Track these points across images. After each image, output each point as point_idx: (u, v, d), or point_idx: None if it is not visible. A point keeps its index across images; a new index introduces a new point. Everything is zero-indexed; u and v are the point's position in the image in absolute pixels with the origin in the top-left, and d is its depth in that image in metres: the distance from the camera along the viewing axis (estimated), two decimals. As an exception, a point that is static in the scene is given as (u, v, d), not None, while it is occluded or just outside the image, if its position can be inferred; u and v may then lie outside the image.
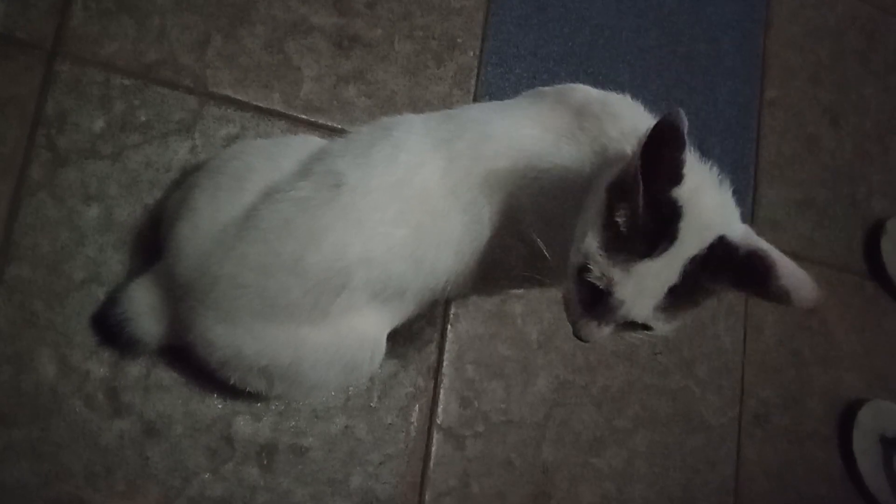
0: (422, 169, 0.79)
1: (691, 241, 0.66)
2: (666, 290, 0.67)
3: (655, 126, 0.62)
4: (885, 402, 1.38)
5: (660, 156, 0.63)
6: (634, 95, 0.83)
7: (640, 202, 0.64)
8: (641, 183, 0.63)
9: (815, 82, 1.52)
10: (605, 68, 1.33)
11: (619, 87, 1.31)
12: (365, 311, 0.83)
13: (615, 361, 1.22)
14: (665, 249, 0.66)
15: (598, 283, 0.68)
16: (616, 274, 0.67)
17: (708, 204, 0.68)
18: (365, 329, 0.85)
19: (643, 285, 0.67)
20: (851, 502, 1.34)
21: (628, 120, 0.77)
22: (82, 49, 1.00)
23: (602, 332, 0.71)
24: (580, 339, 0.73)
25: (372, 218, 0.78)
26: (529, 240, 0.80)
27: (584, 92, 0.82)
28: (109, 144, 0.98)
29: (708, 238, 0.67)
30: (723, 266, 0.66)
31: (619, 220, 0.66)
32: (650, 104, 0.83)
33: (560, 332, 1.18)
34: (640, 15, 1.39)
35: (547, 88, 0.85)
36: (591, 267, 0.68)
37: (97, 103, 0.99)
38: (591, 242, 0.68)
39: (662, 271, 0.67)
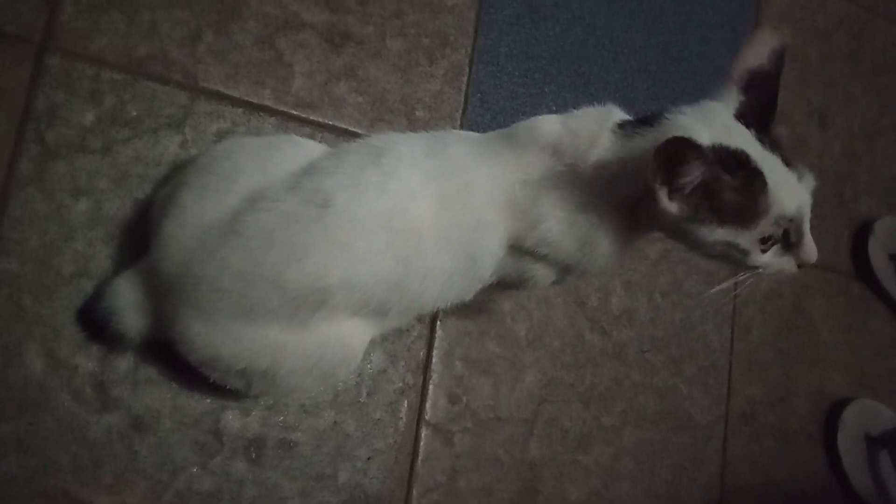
0: (413, 203, 0.79)
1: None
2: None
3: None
4: (870, 400, 1.39)
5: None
6: (623, 95, 0.84)
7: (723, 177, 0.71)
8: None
9: (804, 83, 1.53)
10: (595, 68, 1.34)
11: (609, 86, 1.34)
12: (346, 323, 0.83)
13: (603, 359, 1.23)
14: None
15: (777, 228, 0.76)
16: (776, 202, 0.74)
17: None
18: (345, 339, 0.85)
19: (784, 180, 0.75)
20: (836, 500, 1.35)
21: (605, 133, 0.79)
22: (72, 43, 1.00)
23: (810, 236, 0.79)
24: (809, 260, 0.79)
25: (358, 245, 0.78)
26: (553, 262, 0.83)
27: (551, 126, 0.82)
28: (99, 139, 0.98)
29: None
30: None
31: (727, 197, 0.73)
32: (641, 104, 0.84)
33: (548, 330, 1.19)
34: (632, 15, 1.40)
35: (514, 129, 0.84)
36: (763, 231, 0.75)
37: (87, 97, 0.99)
38: (739, 233, 0.75)
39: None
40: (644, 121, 0.78)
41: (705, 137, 0.72)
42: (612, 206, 0.79)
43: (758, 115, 0.77)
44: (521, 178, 0.80)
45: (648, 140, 0.75)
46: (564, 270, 0.85)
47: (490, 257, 0.83)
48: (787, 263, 0.79)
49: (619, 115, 0.82)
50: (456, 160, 0.82)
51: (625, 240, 0.82)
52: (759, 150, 0.74)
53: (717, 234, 0.75)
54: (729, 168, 0.71)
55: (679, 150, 0.67)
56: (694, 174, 0.70)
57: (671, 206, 0.72)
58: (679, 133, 0.69)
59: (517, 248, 0.83)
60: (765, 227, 0.75)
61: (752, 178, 0.72)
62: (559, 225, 0.79)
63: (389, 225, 0.79)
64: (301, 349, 0.82)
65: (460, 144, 0.84)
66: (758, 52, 0.79)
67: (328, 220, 0.77)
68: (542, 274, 0.85)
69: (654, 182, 0.70)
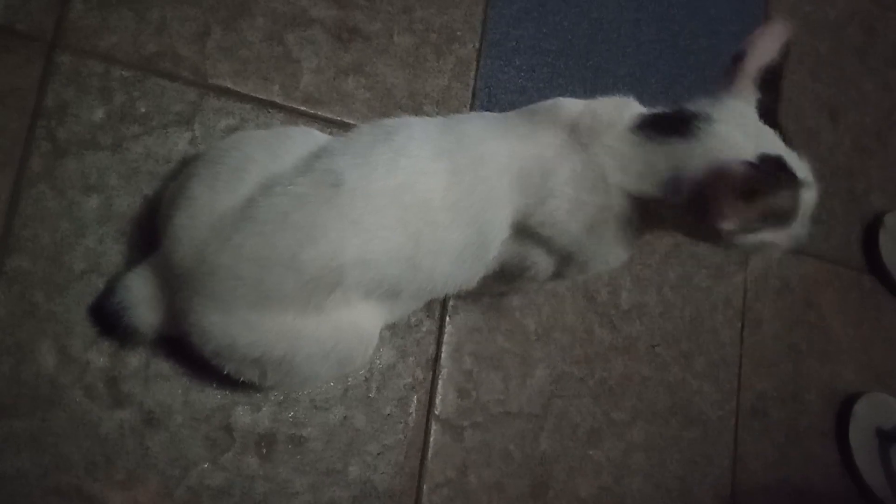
0: (423, 178, 0.80)
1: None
2: None
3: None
4: (882, 395, 1.38)
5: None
6: (632, 90, 0.84)
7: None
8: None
9: (815, 77, 1.52)
10: (603, 62, 1.33)
11: (617, 80, 1.33)
12: (360, 307, 0.83)
13: (613, 354, 1.22)
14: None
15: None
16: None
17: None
18: (359, 324, 0.85)
19: (805, 176, 0.77)
20: (848, 495, 1.34)
21: (624, 120, 0.80)
22: (82, 41, 1.00)
23: None
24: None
25: (370, 221, 0.79)
26: (555, 247, 0.83)
27: (572, 106, 0.83)
28: (109, 135, 0.98)
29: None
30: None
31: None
32: (649, 98, 0.84)
33: (558, 325, 1.19)
34: (640, 8, 1.39)
35: (536, 106, 0.86)
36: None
37: (97, 95, 0.99)
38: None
39: None
40: (669, 122, 0.78)
41: (749, 149, 0.74)
42: (624, 196, 0.79)
43: (768, 110, 0.78)
44: (536, 152, 0.81)
45: (687, 152, 0.76)
46: (565, 261, 0.85)
47: (498, 232, 0.83)
48: (784, 237, 0.81)
49: (637, 107, 0.83)
50: (472, 134, 0.84)
51: (632, 232, 0.82)
52: (788, 152, 0.77)
53: (760, 236, 0.77)
54: (775, 178, 0.73)
55: (755, 187, 0.71)
56: (767, 204, 0.73)
57: (728, 225, 0.74)
58: (722, 147, 0.74)
59: (521, 230, 0.83)
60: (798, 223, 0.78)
61: (792, 184, 0.75)
62: (567, 203, 0.80)
63: (400, 200, 0.79)
64: (316, 335, 0.83)
65: (478, 120, 0.87)
66: (770, 47, 0.79)
67: (340, 198, 0.78)
68: (541, 262, 0.85)
69: (728, 215, 0.72)
